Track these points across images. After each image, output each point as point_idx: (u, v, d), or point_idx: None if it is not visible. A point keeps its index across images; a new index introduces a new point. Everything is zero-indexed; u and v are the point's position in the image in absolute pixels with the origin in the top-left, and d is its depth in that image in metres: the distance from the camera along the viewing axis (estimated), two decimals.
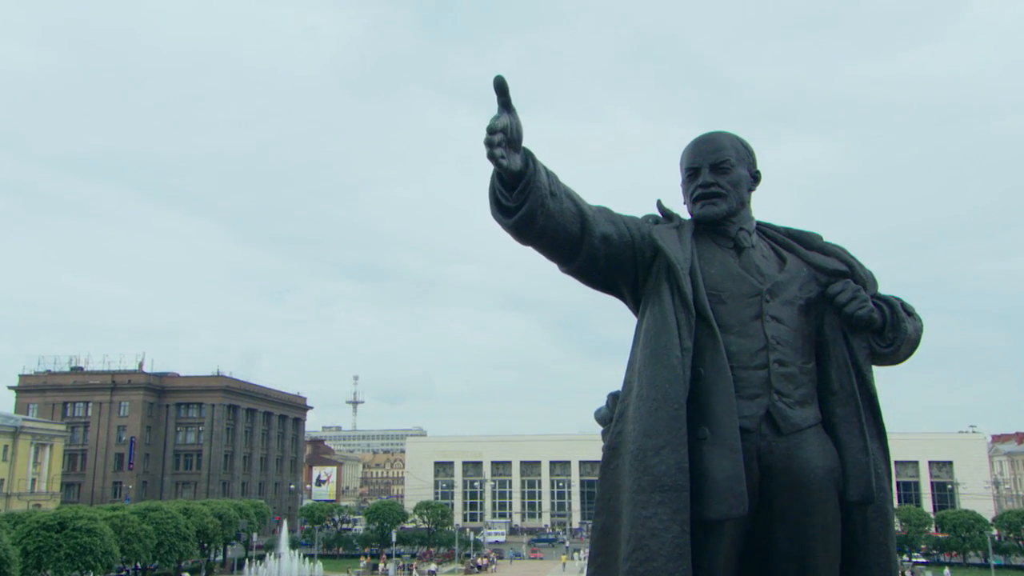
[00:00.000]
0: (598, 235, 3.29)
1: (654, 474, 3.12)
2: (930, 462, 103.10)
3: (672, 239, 3.42)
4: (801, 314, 3.43)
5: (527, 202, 3.03)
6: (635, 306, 3.55)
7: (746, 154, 3.63)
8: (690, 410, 3.19)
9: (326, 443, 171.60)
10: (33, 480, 74.42)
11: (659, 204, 3.65)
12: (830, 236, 3.75)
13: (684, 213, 3.68)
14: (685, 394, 3.17)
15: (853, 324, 3.40)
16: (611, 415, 3.52)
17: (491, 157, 2.87)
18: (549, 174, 3.15)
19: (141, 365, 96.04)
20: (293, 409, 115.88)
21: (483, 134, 2.89)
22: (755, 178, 3.66)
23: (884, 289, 3.60)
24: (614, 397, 3.62)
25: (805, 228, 3.76)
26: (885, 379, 3.50)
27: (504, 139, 2.89)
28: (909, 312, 3.54)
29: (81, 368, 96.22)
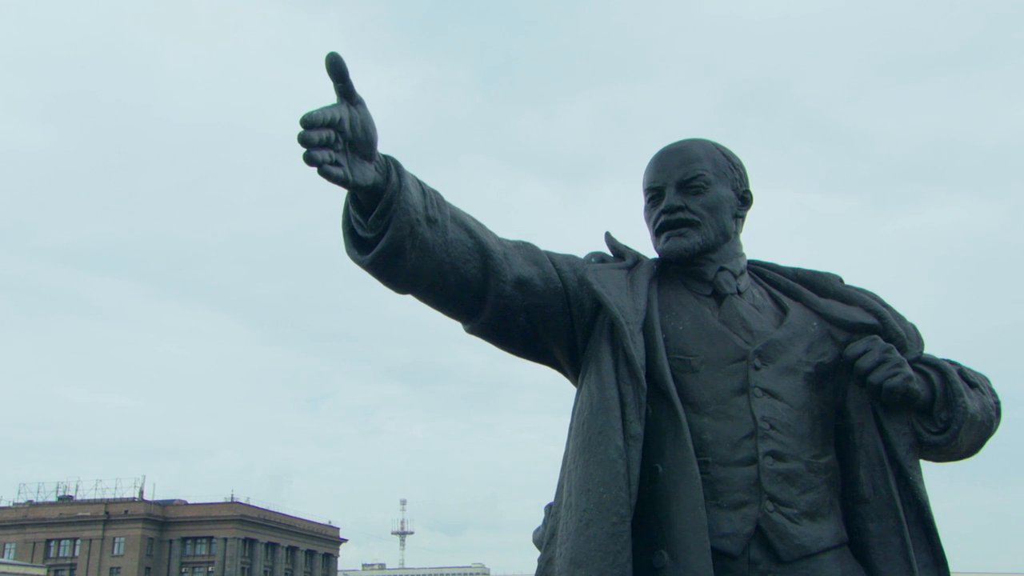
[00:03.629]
0: (510, 279, 2.94)
1: None
2: None
3: (617, 283, 3.03)
4: (809, 386, 2.98)
5: (388, 230, 2.68)
6: (576, 379, 3.16)
7: (728, 168, 3.24)
8: (642, 526, 2.76)
9: None
10: None
11: (607, 237, 3.29)
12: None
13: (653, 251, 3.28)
14: (630, 501, 2.72)
15: (885, 400, 2.91)
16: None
17: (310, 161, 2.45)
18: (428, 193, 2.80)
19: (142, 492, 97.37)
20: (323, 543, 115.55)
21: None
22: (744, 200, 3.27)
23: None
24: (549, 510, 3.20)
25: (865, 287, 3.28)
26: None
27: (332, 138, 2.50)
28: (972, 383, 3.04)
29: (71, 497, 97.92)
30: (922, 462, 3.01)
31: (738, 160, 3.30)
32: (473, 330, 3.07)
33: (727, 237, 3.19)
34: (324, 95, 2.60)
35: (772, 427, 2.88)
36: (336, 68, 2.56)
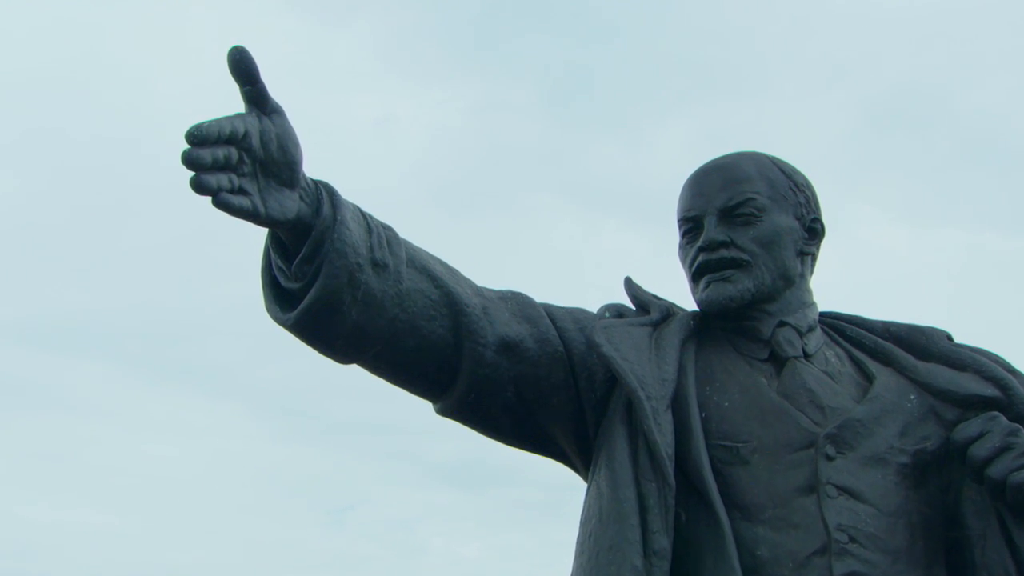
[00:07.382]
0: (491, 340, 2.73)
1: None
2: None
3: (636, 345, 2.81)
4: (905, 483, 2.75)
5: (319, 279, 2.45)
6: (588, 474, 2.98)
7: (789, 189, 3.01)
8: None
9: None
10: None
11: (628, 284, 3.10)
12: None
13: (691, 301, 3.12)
14: None
15: (1012, 501, 2.66)
16: None
17: (199, 188, 2.20)
18: (375, 229, 2.56)
19: None
20: None
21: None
22: (812, 233, 3.04)
23: None
24: None
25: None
26: None
27: (233, 158, 2.26)
28: None
29: None
30: None
31: (803, 179, 3.09)
32: (446, 410, 2.90)
33: (789, 281, 2.98)
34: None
35: (852, 539, 2.67)
36: (242, 66, 2.34)
